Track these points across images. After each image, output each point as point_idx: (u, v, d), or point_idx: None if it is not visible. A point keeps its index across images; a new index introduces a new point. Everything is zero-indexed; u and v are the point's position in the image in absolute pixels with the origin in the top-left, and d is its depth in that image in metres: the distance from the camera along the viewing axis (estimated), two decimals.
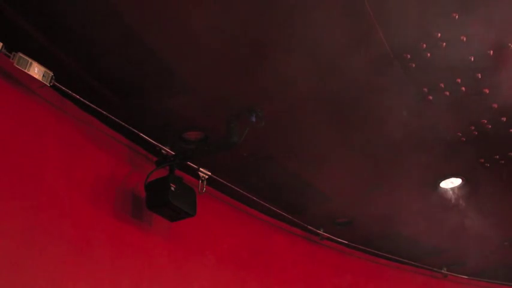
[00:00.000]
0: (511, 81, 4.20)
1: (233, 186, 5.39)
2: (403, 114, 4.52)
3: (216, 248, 5.42)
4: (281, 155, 5.08)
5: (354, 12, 3.58)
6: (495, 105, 4.44)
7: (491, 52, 3.94)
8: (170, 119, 4.57)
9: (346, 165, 5.24)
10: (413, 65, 4.03)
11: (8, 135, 3.75)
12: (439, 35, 3.80)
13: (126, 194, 4.62)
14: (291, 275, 6.18)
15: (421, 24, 3.71)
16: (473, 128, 4.71)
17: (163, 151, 4.69)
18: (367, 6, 3.52)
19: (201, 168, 4.99)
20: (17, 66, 3.63)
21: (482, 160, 5.17)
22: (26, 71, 3.67)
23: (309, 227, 6.26)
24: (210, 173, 5.04)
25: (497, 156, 5.11)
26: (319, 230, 6.34)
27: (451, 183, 5.57)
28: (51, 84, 3.83)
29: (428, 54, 3.94)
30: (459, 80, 4.20)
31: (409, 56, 3.96)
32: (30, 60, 3.68)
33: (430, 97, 4.35)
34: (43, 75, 3.76)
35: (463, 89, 4.25)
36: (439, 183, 5.55)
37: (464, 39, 3.83)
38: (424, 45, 3.88)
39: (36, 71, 3.72)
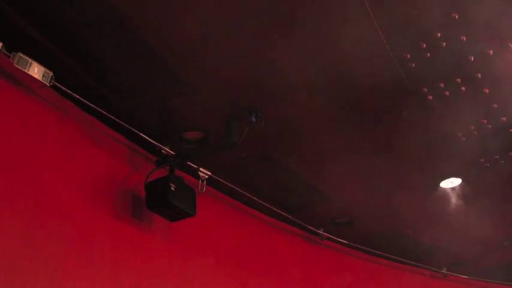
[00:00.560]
0: (511, 81, 4.20)
1: (233, 186, 5.39)
2: (403, 114, 4.52)
3: (216, 248, 5.41)
4: (281, 155, 5.08)
5: (354, 12, 3.58)
6: (495, 105, 4.44)
7: (491, 52, 3.94)
8: (170, 119, 4.57)
9: (346, 165, 5.24)
10: (413, 65, 4.03)
11: (8, 135, 3.75)
12: (439, 35, 3.80)
13: (126, 194, 4.61)
14: (291, 275, 6.18)
15: (421, 24, 3.71)
16: (473, 128, 4.70)
17: (163, 151, 4.69)
18: (367, 6, 3.52)
19: (201, 168, 4.99)
20: (17, 66, 3.63)
21: (482, 160, 5.17)
22: (26, 71, 3.67)
23: (309, 227, 6.26)
24: (210, 173, 5.04)
25: (497, 156, 5.11)
26: (319, 230, 6.34)
27: (451, 183, 5.57)
28: (51, 84, 3.83)
29: (428, 54, 3.94)
30: (459, 80, 4.20)
31: (409, 56, 3.96)
32: (30, 60, 3.68)
33: (430, 97, 4.35)
34: (43, 75, 3.76)
35: (463, 89, 4.25)
36: (439, 183, 5.55)
37: (464, 39, 3.83)
38: (424, 45, 3.88)
39: (36, 71, 3.72)
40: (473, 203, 5.83)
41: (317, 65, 4.02)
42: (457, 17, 3.66)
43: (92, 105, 4.20)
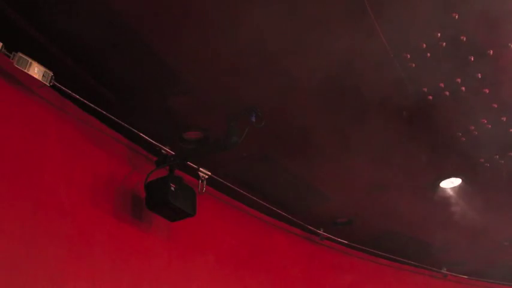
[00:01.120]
0: (511, 81, 4.20)
1: (233, 186, 5.39)
2: (403, 114, 4.52)
3: (216, 248, 5.42)
4: (281, 155, 5.08)
5: (354, 12, 3.58)
6: (495, 105, 4.44)
7: (491, 52, 3.94)
8: (170, 119, 4.57)
9: (346, 165, 5.24)
10: (413, 65, 4.03)
11: (8, 135, 3.75)
12: (439, 35, 3.80)
13: (126, 194, 4.61)
14: (291, 275, 6.18)
15: (421, 24, 3.71)
16: (473, 128, 4.71)
17: (163, 151, 4.69)
18: (367, 6, 3.52)
19: (201, 168, 4.99)
20: (17, 66, 3.63)
21: (482, 160, 5.17)
22: (26, 71, 3.67)
23: (309, 227, 6.26)
24: (210, 173, 5.04)
25: (497, 156, 5.11)
26: (319, 230, 6.34)
27: (451, 183, 5.57)
28: (51, 84, 3.83)
29: (428, 54, 3.94)
30: (459, 80, 4.20)
31: (409, 56, 3.96)
32: (30, 60, 3.68)
33: (430, 97, 4.35)
34: (43, 75, 3.76)
35: (463, 89, 4.25)
36: (439, 183, 5.55)
37: (464, 39, 3.83)
38: (424, 45, 3.88)
39: (36, 71, 3.72)
40: (473, 203, 5.83)
41: (317, 65, 4.02)
42: (457, 17, 3.66)
43: (92, 105, 4.20)
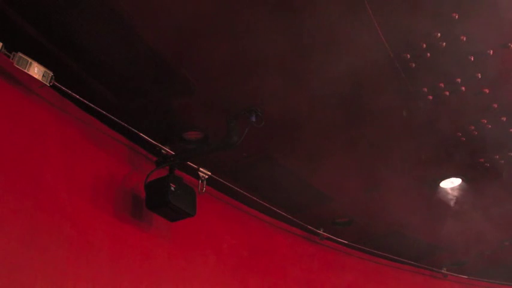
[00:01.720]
0: (511, 81, 4.20)
1: (233, 186, 5.39)
2: (403, 114, 4.52)
3: (216, 248, 5.41)
4: (281, 155, 5.07)
5: (354, 13, 3.58)
6: (495, 105, 4.44)
7: (491, 52, 3.94)
8: (170, 119, 4.57)
9: (346, 165, 5.23)
10: (413, 65, 4.03)
11: (8, 135, 3.75)
12: (439, 35, 3.80)
13: (126, 194, 4.61)
14: (291, 275, 6.18)
15: (421, 24, 3.71)
16: (473, 128, 4.70)
17: (163, 151, 4.69)
18: (367, 6, 3.52)
19: (201, 168, 4.99)
20: (17, 66, 3.63)
21: (482, 160, 5.16)
22: (26, 71, 3.67)
23: (309, 227, 6.26)
24: (210, 173, 5.04)
25: (497, 156, 5.11)
26: (319, 230, 6.34)
27: (451, 183, 5.57)
28: (51, 84, 3.83)
29: (428, 54, 3.94)
30: (459, 80, 4.20)
31: (409, 56, 3.96)
32: (30, 60, 3.68)
33: (430, 97, 4.35)
34: (43, 75, 3.76)
35: (463, 89, 4.25)
36: (439, 183, 5.55)
37: (464, 39, 3.83)
38: (424, 45, 3.88)
39: (36, 71, 3.72)
40: (473, 203, 5.83)
41: (317, 65, 4.02)
42: (457, 17, 3.66)
43: (92, 105, 4.20)
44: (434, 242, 6.72)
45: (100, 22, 3.64)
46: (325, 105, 4.45)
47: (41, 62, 3.74)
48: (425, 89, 4.28)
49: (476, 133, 4.75)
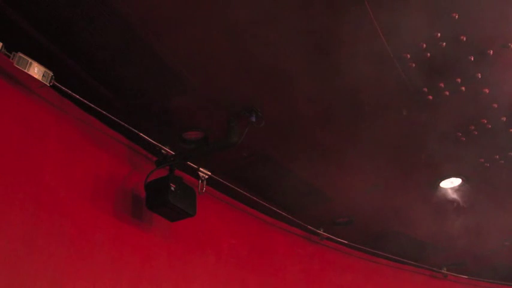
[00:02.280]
0: (511, 81, 4.20)
1: (233, 186, 5.39)
2: (403, 114, 4.52)
3: (216, 248, 5.42)
4: (281, 155, 5.08)
5: (354, 13, 3.58)
6: (495, 105, 4.44)
7: (491, 52, 3.94)
8: (170, 119, 4.57)
9: (346, 165, 5.24)
10: (413, 65, 4.03)
11: (8, 135, 3.75)
12: (439, 35, 3.80)
13: (126, 194, 4.62)
14: (291, 275, 6.18)
15: (421, 24, 3.71)
16: (473, 128, 4.70)
17: (163, 151, 4.69)
18: (367, 6, 3.52)
19: (201, 168, 4.99)
20: (17, 66, 3.63)
21: (482, 160, 5.17)
22: (26, 71, 3.67)
23: (309, 227, 6.26)
24: (210, 173, 5.04)
25: (497, 156, 5.11)
26: (319, 230, 6.34)
27: (451, 183, 5.57)
28: (51, 84, 3.83)
29: (428, 54, 3.94)
30: (459, 80, 4.19)
31: (409, 56, 3.96)
32: (30, 60, 3.68)
33: (430, 97, 4.35)
34: (43, 75, 3.76)
35: (463, 89, 4.25)
36: (439, 183, 5.55)
37: (464, 39, 3.83)
38: (424, 45, 3.88)
39: (36, 71, 3.72)
40: (473, 203, 5.83)
41: (317, 65, 4.02)
42: (457, 17, 3.65)
43: (92, 105, 4.20)
44: (434, 242, 6.72)
45: (100, 22, 3.64)
46: (325, 105, 4.45)
47: (41, 62, 3.74)
48: (425, 89, 4.28)
49: (476, 133, 4.75)
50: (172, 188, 4.40)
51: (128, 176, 4.68)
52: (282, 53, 3.90)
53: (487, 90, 4.28)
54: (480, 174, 5.36)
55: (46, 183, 3.95)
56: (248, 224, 5.90)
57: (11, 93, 3.83)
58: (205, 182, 5.00)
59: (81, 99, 4.12)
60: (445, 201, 5.80)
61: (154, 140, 4.64)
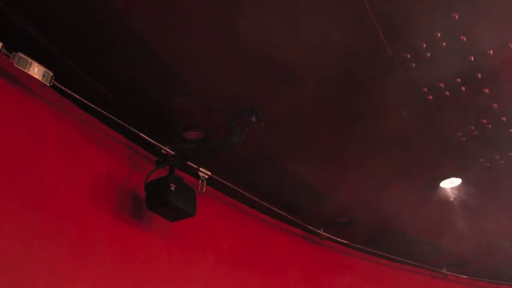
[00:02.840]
0: (511, 81, 4.20)
1: (233, 186, 5.39)
2: (403, 114, 4.52)
3: (216, 248, 5.41)
4: (281, 155, 5.08)
5: (353, 13, 3.58)
6: (495, 105, 4.44)
7: (491, 52, 3.94)
8: (170, 119, 4.57)
9: (347, 165, 5.24)
10: (413, 65, 4.03)
11: (8, 135, 3.75)
12: (439, 35, 3.80)
13: (126, 194, 4.61)
14: (291, 275, 6.18)
15: (421, 24, 3.71)
16: (473, 128, 4.70)
17: (163, 151, 4.69)
18: (367, 6, 3.52)
19: (201, 168, 4.99)
20: (17, 66, 3.63)
21: (482, 160, 5.16)
22: (26, 71, 3.67)
23: (309, 227, 6.26)
24: (210, 173, 5.04)
25: (497, 156, 5.11)
26: (319, 230, 6.34)
27: (451, 183, 5.57)
28: (51, 84, 3.83)
29: (428, 54, 3.94)
30: (459, 80, 4.19)
31: (409, 56, 3.96)
32: (30, 60, 3.68)
33: (430, 97, 4.35)
34: (43, 75, 3.76)
35: (463, 89, 4.25)
36: (439, 183, 5.55)
37: (464, 39, 3.83)
38: (424, 45, 3.88)
39: (36, 71, 3.72)
40: (473, 203, 5.83)
41: (317, 65, 4.02)
42: (457, 17, 3.65)
43: (92, 105, 4.20)
44: (434, 242, 6.72)
45: (100, 22, 3.64)
46: (325, 105, 4.45)
47: (41, 62, 3.74)
48: (425, 89, 4.28)
49: (476, 133, 4.75)
50: (172, 188, 4.40)
51: (127, 176, 4.68)
52: (282, 53, 3.91)
53: (487, 90, 4.28)
54: (480, 174, 5.36)
55: (46, 183, 3.95)
56: (248, 224, 5.90)
57: (11, 93, 3.83)
58: (205, 182, 5.00)
59: (81, 99, 4.12)
60: (445, 201, 5.79)
61: (154, 140, 4.64)
